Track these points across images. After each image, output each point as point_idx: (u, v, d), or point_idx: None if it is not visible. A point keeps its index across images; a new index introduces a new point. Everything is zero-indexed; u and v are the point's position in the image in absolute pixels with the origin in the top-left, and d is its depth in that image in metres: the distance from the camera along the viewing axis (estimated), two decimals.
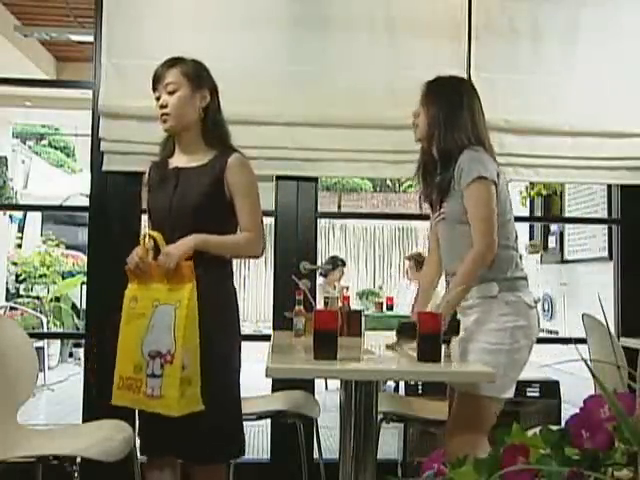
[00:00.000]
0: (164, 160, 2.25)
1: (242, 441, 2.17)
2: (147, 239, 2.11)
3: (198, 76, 2.21)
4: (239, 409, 2.16)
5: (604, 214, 4.33)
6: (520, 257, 2.24)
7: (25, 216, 8.86)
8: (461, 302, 2.19)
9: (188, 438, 2.05)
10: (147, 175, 2.32)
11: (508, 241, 2.20)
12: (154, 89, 2.21)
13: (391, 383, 5.23)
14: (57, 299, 8.05)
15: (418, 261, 6.80)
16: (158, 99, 2.19)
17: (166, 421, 1.95)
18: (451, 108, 2.23)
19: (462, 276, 2.12)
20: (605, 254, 6.71)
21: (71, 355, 8.01)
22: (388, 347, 2.10)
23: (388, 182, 15.10)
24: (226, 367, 2.12)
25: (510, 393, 2.14)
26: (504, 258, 2.17)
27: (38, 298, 7.89)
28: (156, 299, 2.03)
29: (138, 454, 2.30)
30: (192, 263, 2.02)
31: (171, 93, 2.16)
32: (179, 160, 2.23)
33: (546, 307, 8.91)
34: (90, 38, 3.22)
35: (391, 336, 2.19)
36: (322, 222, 10.30)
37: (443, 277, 2.45)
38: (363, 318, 2.49)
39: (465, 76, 3.04)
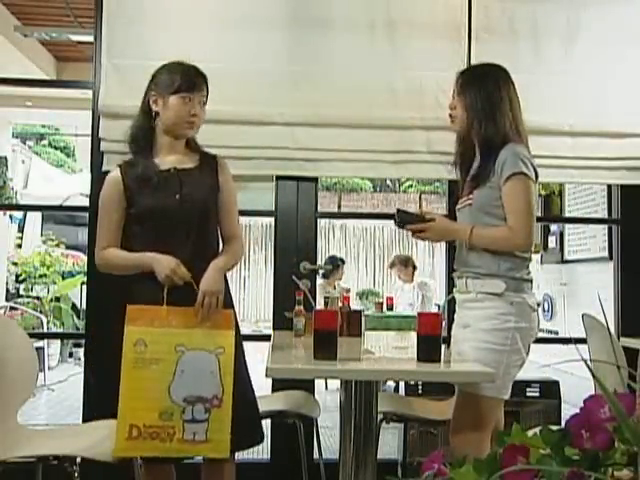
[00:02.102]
0: (147, 160, 2.18)
1: (261, 427, 2.23)
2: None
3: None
4: (255, 397, 2.23)
5: (604, 214, 4.33)
6: (530, 260, 2.23)
7: (25, 216, 8.86)
8: (463, 294, 2.21)
9: (243, 423, 2.10)
10: (120, 174, 2.18)
11: None
12: (187, 91, 2.16)
13: (391, 383, 5.23)
14: (57, 299, 8.05)
15: (401, 260, 6.81)
16: (184, 99, 2.16)
17: None
18: (489, 96, 2.20)
19: (482, 235, 2.14)
20: (605, 254, 6.71)
21: (71, 355, 8.01)
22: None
23: (388, 182, 15.09)
24: (240, 359, 2.16)
25: (508, 394, 2.15)
26: (519, 258, 2.17)
27: (38, 298, 7.89)
28: (180, 344, 2.00)
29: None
30: (233, 311, 2.11)
31: (201, 104, 2.21)
32: (170, 161, 2.20)
33: (546, 307, 8.92)
34: (90, 38, 3.22)
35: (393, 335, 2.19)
36: (322, 222, 10.30)
37: (442, 277, 2.45)
38: (363, 318, 2.49)
39: None
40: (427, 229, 2.21)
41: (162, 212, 2.14)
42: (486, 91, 2.21)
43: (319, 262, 3.47)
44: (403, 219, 2.24)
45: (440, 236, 2.34)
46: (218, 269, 2.10)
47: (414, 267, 6.83)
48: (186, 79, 2.18)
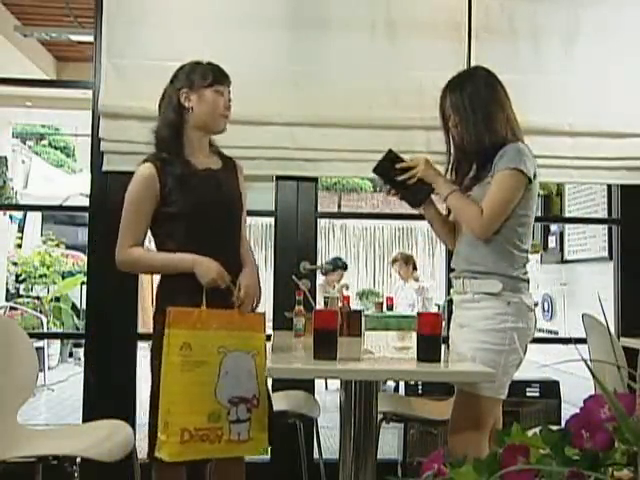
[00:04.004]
0: (183, 159, 2.15)
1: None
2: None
3: None
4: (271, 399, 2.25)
5: (604, 214, 4.32)
6: (527, 261, 2.23)
7: (25, 216, 8.86)
8: (460, 295, 2.21)
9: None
10: (155, 171, 2.11)
11: (524, 243, 2.18)
12: (221, 84, 2.19)
13: (391, 383, 5.24)
14: (57, 299, 8.05)
15: (403, 257, 6.82)
16: (218, 93, 2.18)
17: None
18: (481, 106, 2.17)
19: (459, 201, 2.16)
20: (605, 254, 6.71)
21: (71, 355, 8.02)
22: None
23: None
24: None
25: (506, 393, 2.15)
26: (517, 257, 2.16)
27: (38, 298, 7.89)
28: (221, 346, 2.01)
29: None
30: (264, 315, 2.15)
31: (230, 99, 2.23)
32: (202, 161, 2.19)
33: (546, 307, 8.92)
34: (90, 38, 3.22)
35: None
36: (322, 222, 10.29)
37: (442, 275, 2.45)
38: (363, 318, 2.49)
39: None
40: (418, 162, 2.21)
41: (203, 212, 2.13)
42: (477, 100, 2.17)
43: (319, 262, 3.46)
44: (384, 172, 2.24)
45: (426, 172, 2.22)
46: (253, 272, 2.17)
47: (414, 267, 6.84)
48: (219, 73, 2.20)
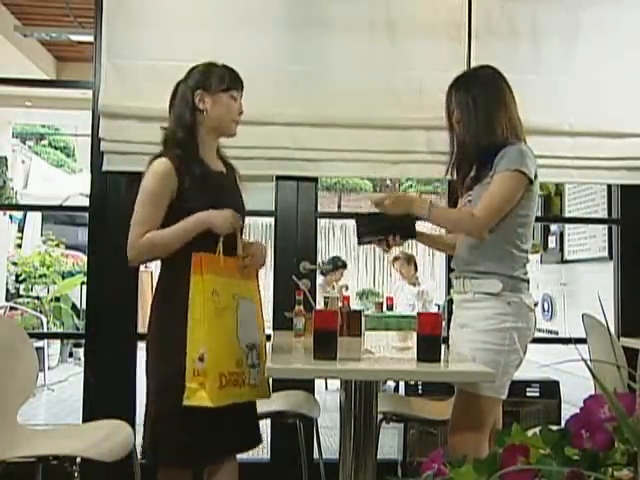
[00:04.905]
0: (199, 160, 2.14)
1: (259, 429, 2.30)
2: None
3: None
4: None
5: (604, 214, 4.32)
6: (528, 261, 2.23)
7: (25, 216, 8.86)
8: (460, 294, 2.21)
9: (252, 424, 2.19)
10: (173, 168, 2.07)
11: (524, 243, 2.18)
12: (236, 89, 2.21)
13: (391, 383, 5.23)
14: (57, 299, 8.05)
15: (405, 256, 6.81)
16: (234, 97, 2.20)
17: (237, 416, 2.07)
18: (483, 106, 2.16)
19: (448, 212, 2.20)
20: (605, 254, 6.71)
21: (71, 355, 8.02)
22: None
23: (388, 182, 15.09)
24: None
25: (506, 394, 2.15)
26: (516, 257, 2.16)
27: (38, 298, 7.89)
28: (235, 293, 2.05)
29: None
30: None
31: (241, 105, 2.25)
32: (214, 163, 2.20)
33: (546, 307, 8.92)
34: (90, 38, 3.22)
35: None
36: (322, 222, 10.29)
37: (442, 275, 2.45)
38: (363, 318, 2.49)
39: None
40: (387, 197, 2.20)
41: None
42: (480, 101, 2.17)
43: (319, 262, 3.47)
44: (367, 235, 2.26)
45: (398, 202, 2.19)
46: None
47: (415, 267, 6.83)
48: (235, 77, 2.21)
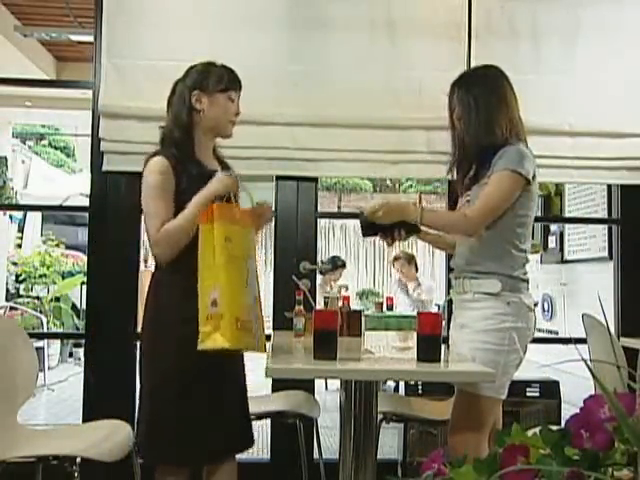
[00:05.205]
0: (196, 160, 2.14)
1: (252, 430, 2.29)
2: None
3: None
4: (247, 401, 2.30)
5: (604, 214, 4.32)
6: (527, 261, 2.23)
7: (25, 216, 8.86)
8: (459, 294, 2.21)
9: (248, 424, 2.21)
10: (170, 165, 2.07)
11: (523, 243, 2.18)
12: (234, 90, 2.21)
13: (391, 383, 5.23)
14: (57, 299, 8.05)
15: (405, 256, 6.80)
16: (231, 98, 2.20)
17: (231, 416, 2.11)
18: (485, 106, 2.16)
19: (440, 215, 2.22)
20: (605, 254, 6.71)
21: (71, 355, 8.01)
22: None
23: (388, 182, 15.09)
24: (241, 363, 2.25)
25: (505, 394, 2.15)
26: (516, 257, 2.16)
27: (38, 298, 7.88)
28: (247, 245, 2.05)
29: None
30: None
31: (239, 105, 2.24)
32: (209, 163, 2.19)
33: (546, 307, 8.91)
34: (90, 38, 3.22)
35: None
36: (322, 222, 10.29)
37: (443, 276, 2.45)
38: (363, 318, 2.49)
39: None
40: (380, 207, 2.20)
41: None
42: (481, 101, 2.17)
43: (319, 261, 3.47)
44: (371, 229, 2.27)
45: (390, 212, 2.21)
46: None
47: (416, 267, 6.82)
48: (233, 78, 2.21)
